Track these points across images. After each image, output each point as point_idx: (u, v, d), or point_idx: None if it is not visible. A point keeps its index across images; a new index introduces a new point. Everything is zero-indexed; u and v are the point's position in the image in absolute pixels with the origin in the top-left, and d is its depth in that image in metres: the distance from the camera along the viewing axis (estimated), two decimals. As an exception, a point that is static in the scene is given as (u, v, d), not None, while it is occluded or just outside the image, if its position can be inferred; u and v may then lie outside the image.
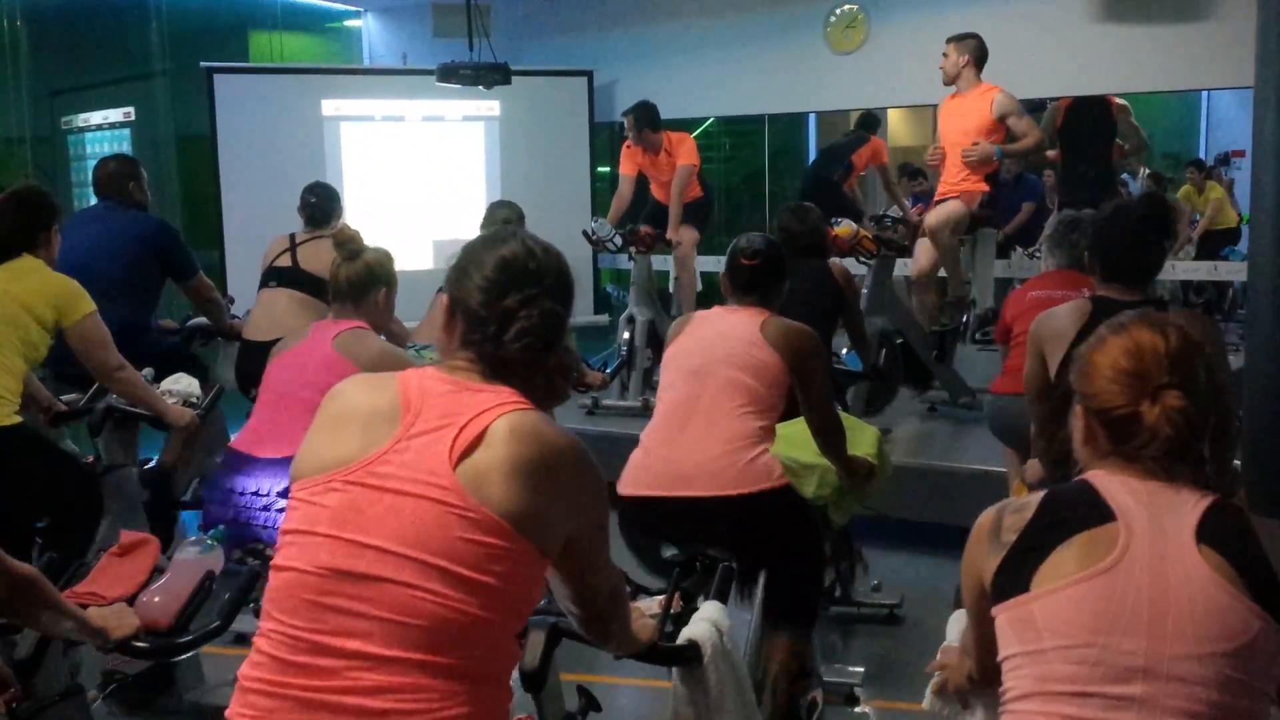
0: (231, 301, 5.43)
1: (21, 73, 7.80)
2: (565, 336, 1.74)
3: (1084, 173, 6.72)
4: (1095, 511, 1.61)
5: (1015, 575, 1.62)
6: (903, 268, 6.33)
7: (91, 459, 3.98)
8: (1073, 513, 1.63)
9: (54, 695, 2.30)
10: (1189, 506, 1.61)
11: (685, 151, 6.69)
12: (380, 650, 1.52)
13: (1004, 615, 1.63)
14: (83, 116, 8.16)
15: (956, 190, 5.73)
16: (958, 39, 5.74)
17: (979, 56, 5.70)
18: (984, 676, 1.87)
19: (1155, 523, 1.59)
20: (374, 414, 1.65)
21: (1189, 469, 1.65)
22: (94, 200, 5.11)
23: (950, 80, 5.77)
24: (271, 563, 1.64)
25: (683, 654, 2.23)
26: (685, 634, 2.26)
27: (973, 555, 1.73)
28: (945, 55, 5.76)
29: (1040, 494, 1.70)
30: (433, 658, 1.53)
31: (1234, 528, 1.60)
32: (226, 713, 1.59)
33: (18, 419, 3.49)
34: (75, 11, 8.14)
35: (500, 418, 1.61)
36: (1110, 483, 1.65)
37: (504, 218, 4.69)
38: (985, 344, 7.10)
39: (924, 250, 5.85)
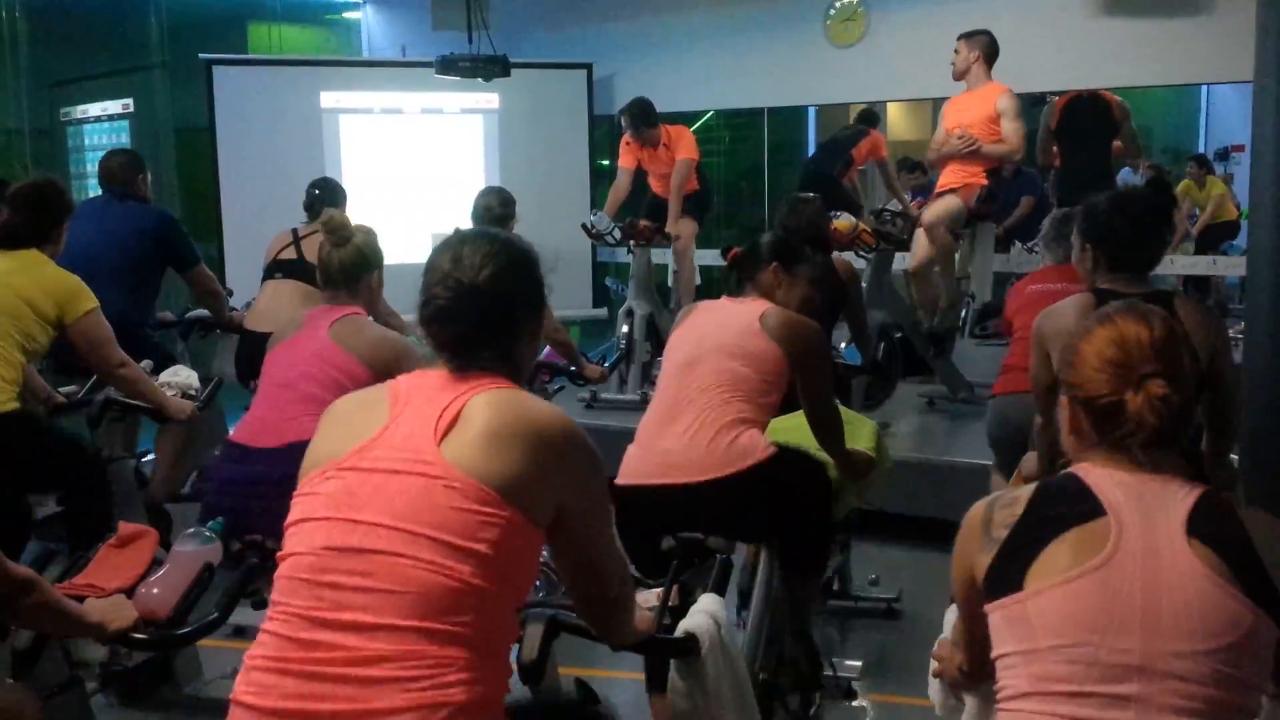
0: (230, 294, 5.43)
1: (21, 64, 7.79)
2: (468, 302, 1.75)
3: (1083, 169, 6.70)
4: (1085, 506, 1.61)
5: (1008, 572, 1.61)
6: (901, 261, 6.32)
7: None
8: (1063, 508, 1.62)
9: (53, 687, 2.30)
10: (1178, 499, 1.61)
11: (684, 145, 6.68)
12: (377, 619, 1.55)
13: (998, 613, 1.62)
14: (81, 108, 8.15)
15: (956, 184, 5.73)
16: (968, 36, 5.69)
17: (989, 53, 5.66)
18: (973, 670, 1.87)
19: (1145, 516, 1.59)
20: (366, 410, 1.74)
21: (1175, 458, 1.66)
22: (94, 192, 5.11)
23: (960, 76, 5.73)
24: (276, 555, 1.69)
25: (680, 646, 2.23)
26: (683, 626, 2.26)
27: (963, 551, 1.72)
28: (956, 51, 5.70)
29: (1030, 488, 1.69)
30: (428, 623, 1.56)
31: (1223, 520, 1.60)
32: (232, 695, 1.62)
33: (16, 405, 3.49)
34: (75, 3, 8.13)
35: (477, 395, 1.69)
36: (1099, 476, 1.65)
37: (484, 205, 4.66)
38: (984, 339, 7.11)
39: (921, 243, 5.84)
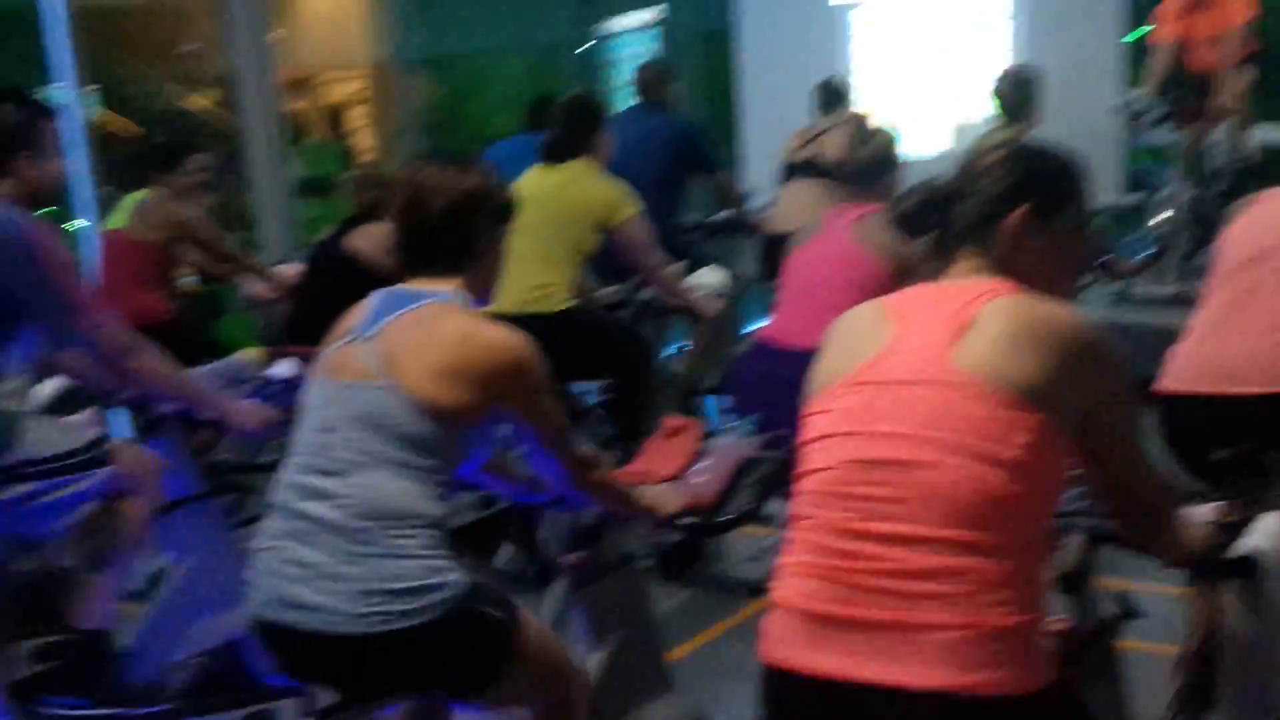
0: (750, 195, 5.63)
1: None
2: (969, 184, 1.75)
3: None
4: None
5: None
6: None
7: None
8: None
9: (613, 561, 2.56)
10: None
11: (1240, 4, 5.88)
12: (914, 530, 1.54)
13: None
14: (615, 20, 8.67)
15: None
16: None
17: None
18: None
19: None
20: (868, 326, 1.74)
21: None
22: (625, 104, 5.47)
23: None
24: (796, 473, 1.73)
25: (1236, 567, 2.05)
26: (1242, 545, 2.06)
27: None
28: None
29: None
30: (965, 534, 1.53)
31: None
32: (773, 597, 1.68)
33: (572, 303, 3.87)
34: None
35: (988, 302, 1.64)
36: None
37: (1004, 85, 4.42)
38: None
39: None
